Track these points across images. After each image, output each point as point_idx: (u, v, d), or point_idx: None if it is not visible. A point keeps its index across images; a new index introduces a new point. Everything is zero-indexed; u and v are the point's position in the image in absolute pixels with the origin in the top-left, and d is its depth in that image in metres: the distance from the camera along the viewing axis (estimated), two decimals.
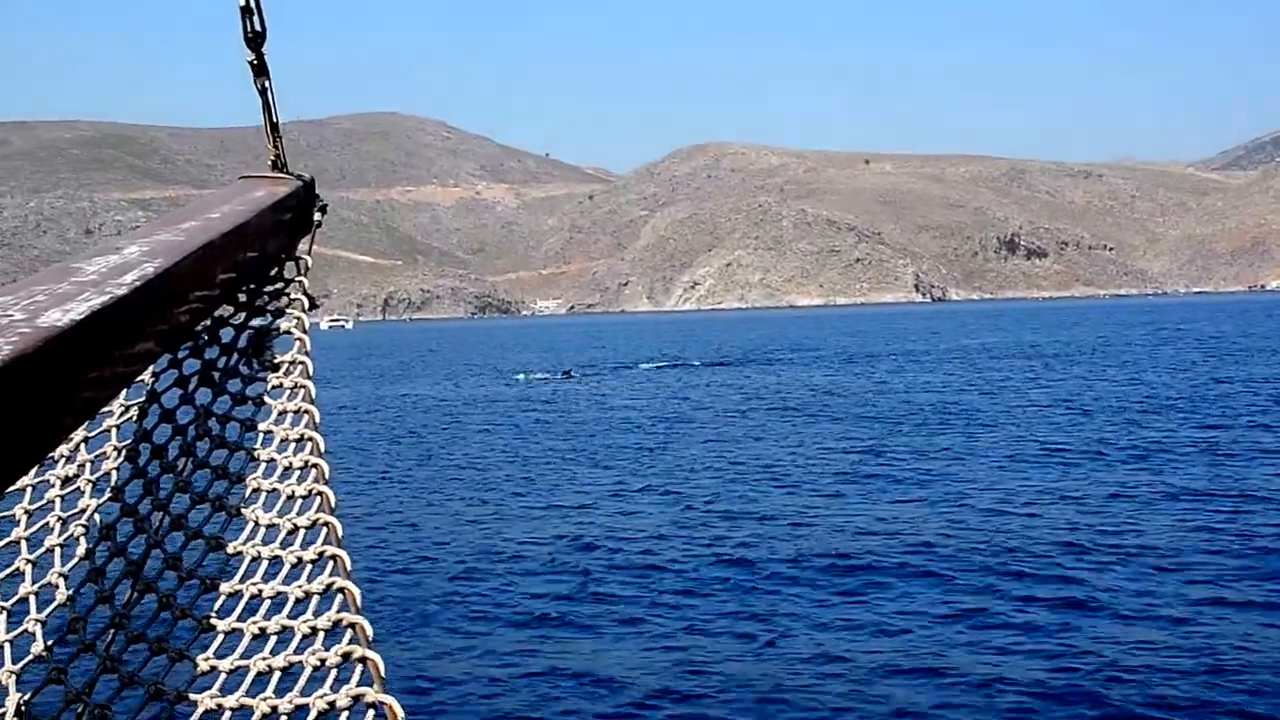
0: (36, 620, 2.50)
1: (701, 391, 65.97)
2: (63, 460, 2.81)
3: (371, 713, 2.00)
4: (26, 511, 2.71)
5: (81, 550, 2.60)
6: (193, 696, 2.24)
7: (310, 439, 2.64)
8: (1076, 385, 60.62)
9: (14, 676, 2.40)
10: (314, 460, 2.58)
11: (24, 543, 2.66)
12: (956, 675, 15.18)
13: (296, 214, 3.39)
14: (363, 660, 2.08)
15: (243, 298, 3.11)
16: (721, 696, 14.90)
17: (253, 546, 2.48)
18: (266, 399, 2.83)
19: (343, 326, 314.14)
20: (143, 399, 2.87)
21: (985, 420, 45.20)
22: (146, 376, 2.84)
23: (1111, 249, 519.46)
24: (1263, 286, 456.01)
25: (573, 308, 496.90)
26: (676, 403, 58.17)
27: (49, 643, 2.45)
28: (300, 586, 2.32)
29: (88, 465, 2.80)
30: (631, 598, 19.67)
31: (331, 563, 2.31)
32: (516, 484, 32.79)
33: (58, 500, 2.75)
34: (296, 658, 2.19)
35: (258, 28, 3.16)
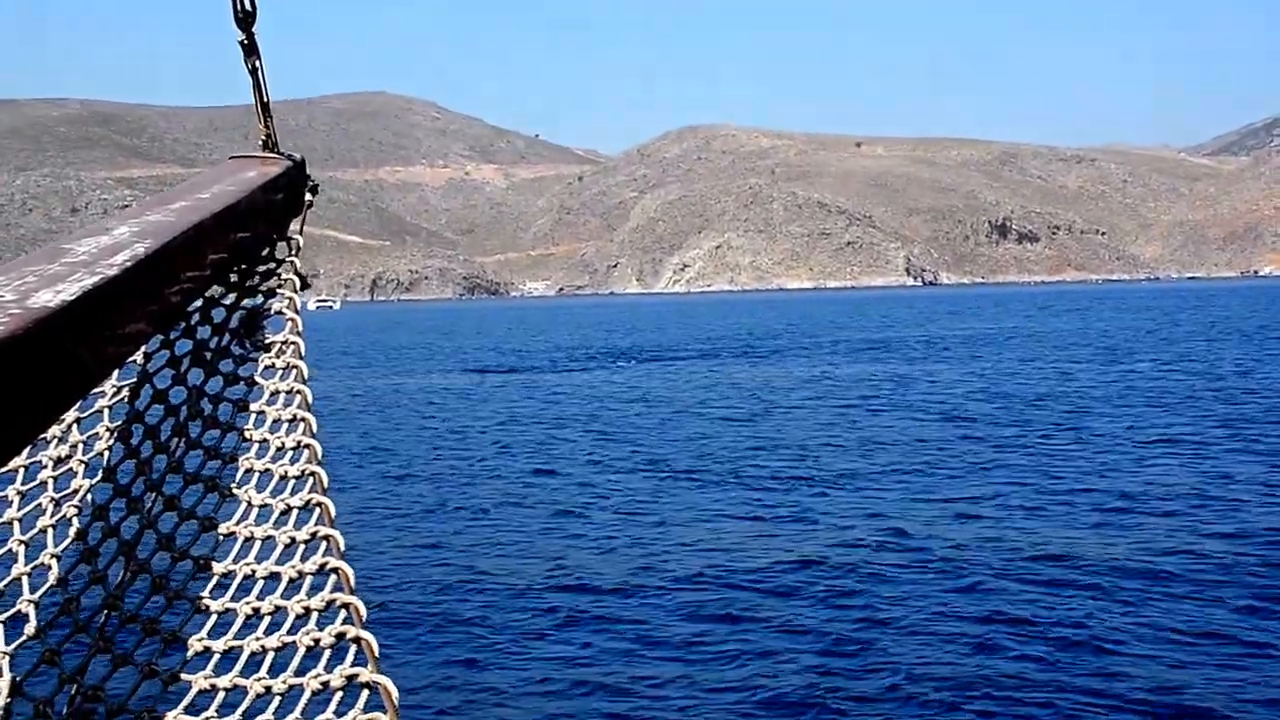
0: (30, 601, 2.50)
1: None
2: (55, 441, 2.81)
3: (366, 693, 2.00)
4: (19, 492, 2.71)
5: (74, 531, 2.59)
6: (186, 677, 2.23)
7: (303, 419, 2.63)
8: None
9: (7, 658, 2.41)
10: (307, 441, 2.58)
11: (16, 524, 2.66)
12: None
13: (288, 194, 3.37)
14: (357, 640, 2.08)
15: (234, 278, 3.09)
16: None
17: (246, 527, 2.47)
18: (259, 379, 2.82)
19: (330, 307, 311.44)
20: (135, 380, 2.85)
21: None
22: (138, 357, 2.82)
23: (1104, 234, 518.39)
24: (1255, 272, 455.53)
25: (561, 289, 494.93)
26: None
27: (42, 624, 2.45)
28: (294, 567, 2.31)
29: (80, 446, 2.79)
30: (652, 592, 18.04)
31: (325, 543, 2.30)
32: (537, 468, 30.99)
33: (50, 481, 2.74)
34: (290, 638, 2.19)
35: (248, 7, 3.14)
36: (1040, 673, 13.56)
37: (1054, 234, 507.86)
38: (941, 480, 26.29)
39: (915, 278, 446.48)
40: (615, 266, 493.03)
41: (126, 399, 2.83)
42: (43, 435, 2.67)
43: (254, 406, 2.74)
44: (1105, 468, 27.39)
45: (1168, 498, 23.39)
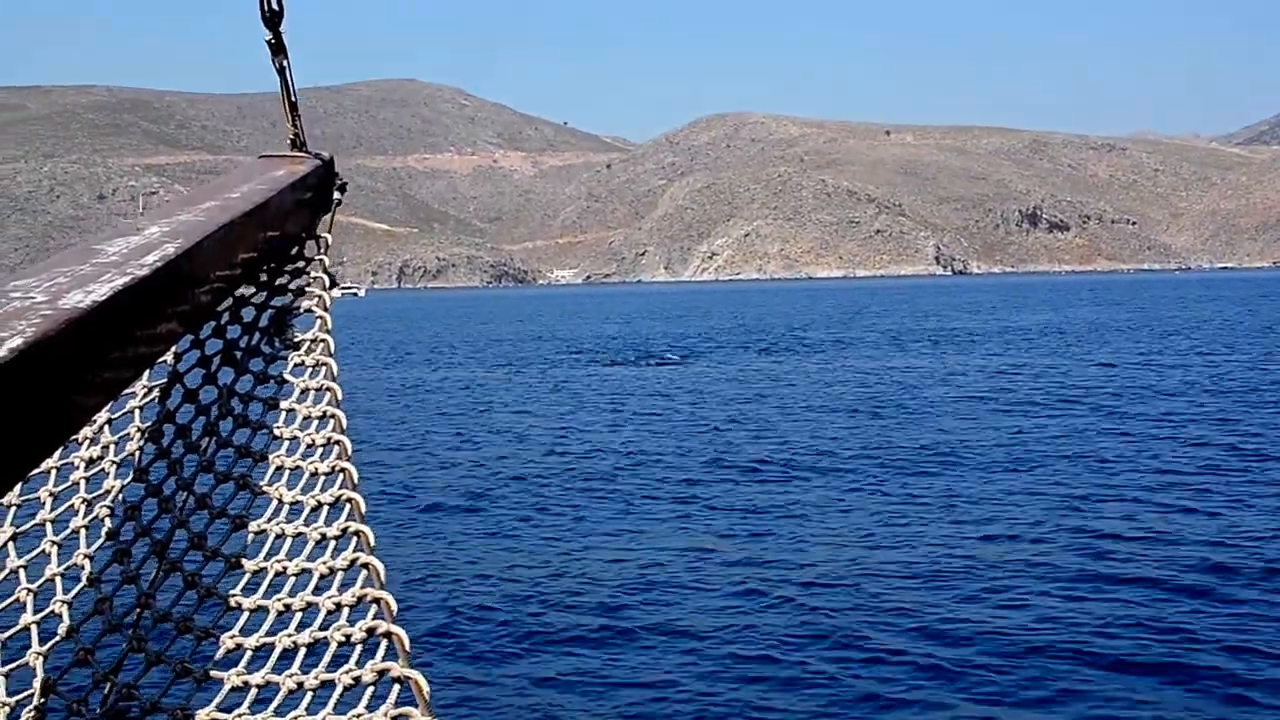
0: (63, 601, 2.53)
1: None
2: (87, 442, 2.85)
3: (397, 687, 2.01)
4: (51, 494, 2.74)
5: (106, 531, 2.63)
6: (219, 675, 2.26)
7: (333, 416, 2.65)
8: None
9: (41, 657, 2.44)
10: (337, 437, 2.59)
11: (49, 524, 2.70)
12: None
13: (316, 193, 3.40)
14: (388, 635, 2.09)
15: (264, 277, 3.13)
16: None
17: (277, 524, 2.49)
18: (289, 377, 2.85)
19: (355, 294, 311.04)
20: (165, 379, 2.88)
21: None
22: (169, 357, 2.84)
23: (1134, 223, 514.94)
24: None
25: (589, 277, 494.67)
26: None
27: (75, 623, 2.48)
28: (324, 563, 2.33)
29: (111, 446, 2.83)
30: (692, 590, 17.31)
31: (355, 539, 2.31)
32: (572, 469, 29.56)
33: (82, 482, 2.77)
34: (321, 634, 2.21)
35: (275, 6, 3.16)
36: None
37: (1084, 223, 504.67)
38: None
39: (945, 267, 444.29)
40: (643, 254, 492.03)
41: (157, 399, 2.86)
42: (75, 436, 2.67)
43: (284, 404, 2.77)
44: None
45: None
